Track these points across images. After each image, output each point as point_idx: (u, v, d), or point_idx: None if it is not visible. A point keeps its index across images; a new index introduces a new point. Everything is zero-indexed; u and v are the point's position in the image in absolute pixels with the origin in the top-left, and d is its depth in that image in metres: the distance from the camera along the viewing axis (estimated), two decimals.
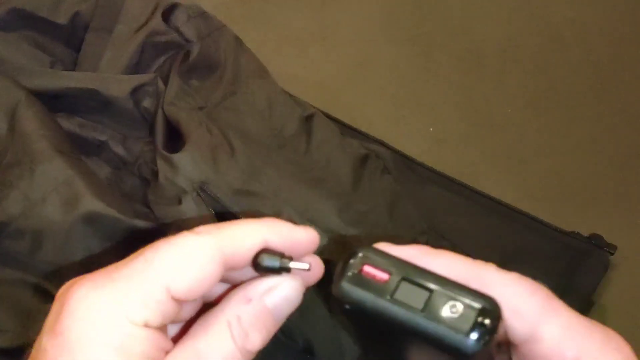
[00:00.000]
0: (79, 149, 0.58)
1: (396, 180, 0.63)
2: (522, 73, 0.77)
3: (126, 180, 0.60)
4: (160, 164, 0.55)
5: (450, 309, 0.24)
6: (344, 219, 0.56)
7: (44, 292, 0.51)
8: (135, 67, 0.63)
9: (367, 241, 0.27)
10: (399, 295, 0.24)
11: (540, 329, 0.25)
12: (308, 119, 0.64)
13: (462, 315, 0.23)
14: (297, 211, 0.55)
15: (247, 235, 0.27)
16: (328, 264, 0.29)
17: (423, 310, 0.24)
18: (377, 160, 0.63)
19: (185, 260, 0.25)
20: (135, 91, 0.60)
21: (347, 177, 0.60)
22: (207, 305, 0.28)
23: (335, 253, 0.50)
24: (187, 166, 0.55)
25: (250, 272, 0.27)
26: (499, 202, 0.64)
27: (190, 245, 0.26)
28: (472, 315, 0.23)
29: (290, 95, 0.67)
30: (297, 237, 0.28)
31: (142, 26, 0.63)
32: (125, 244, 0.54)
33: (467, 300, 0.24)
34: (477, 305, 0.24)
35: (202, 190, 0.54)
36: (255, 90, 0.65)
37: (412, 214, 0.61)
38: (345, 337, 0.48)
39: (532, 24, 0.81)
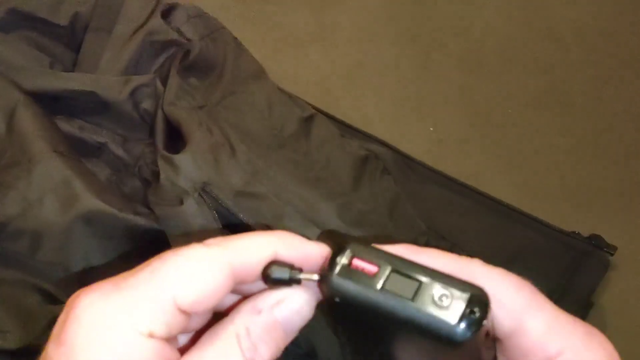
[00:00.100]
0: (79, 151, 0.58)
1: (396, 180, 0.63)
2: (522, 73, 0.77)
3: (126, 182, 0.60)
4: (162, 165, 0.55)
5: (440, 298, 0.24)
6: (345, 219, 0.56)
7: (44, 293, 0.51)
8: (135, 68, 0.63)
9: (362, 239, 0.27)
10: (388, 286, 0.24)
11: (525, 323, 0.25)
12: (307, 119, 0.64)
13: (452, 304, 0.24)
14: (299, 212, 0.55)
15: (256, 248, 0.26)
16: None
17: (413, 299, 0.24)
18: (376, 161, 0.63)
19: (193, 271, 0.25)
20: (134, 93, 0.60)
21: (348, 178, 0.60)
22: (219, 316, 0.27)
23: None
24: (188, 167, 0.54)
25: (261, 284, 0.27)
26: (499, 202, 0.64)
27: (198, 256, 0.25)
28: (462, 303, 0.24)
29: (290, 96, 0.67)
30: (308, 251, 0.27)
31: (141, 26, 0.63)
32: (125, 243, 0.54)
33: (457, 290, 0.24)
34: (466, 294, 0.24)
35: (203, 191, 0.54)
36: (255, 90, 0.65)
37: (412, 215, 0.61)
38: None
39: (532, 24, 0.81)
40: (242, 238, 0.27)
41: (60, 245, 0.52)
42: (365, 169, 0.62)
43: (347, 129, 0.67)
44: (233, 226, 0.54)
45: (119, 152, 0.61)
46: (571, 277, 0.58)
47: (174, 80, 0.61)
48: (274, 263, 0.26)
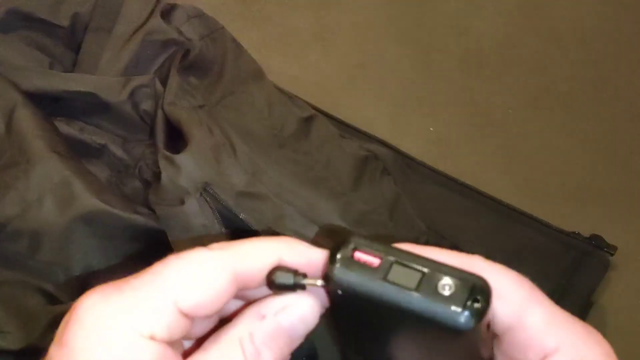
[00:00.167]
0: (79, 152, 0.58)
1: (396, 180, 0.63)
2: (522, 73, 0.77)
3: (127, 182, 0.60)
4: (163, 165, 0.55)
5: (443, 287, 0.24)
6: (346, 219, 0.56)
7: (45, 293, 0.51)
8: (135, 68, 0.63)
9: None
10: (391, 277, 0.24)
11: (524, 317, 0.25)
12: (307, 120, 0.64)
13: (455, 293, 0.24)
14: (300, 212, 0.55)
15: (260, 253, 0.26)
16: None
17: (416, 289, 0.24)
18: (376, 161, 0.63)
19: (195, 275, 0.25)
20: (133, 93, 0.60)
21: (348, 178, 0.60)
22: (225, 323, 0.27)
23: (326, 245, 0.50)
24: (189, 167, 0.54)
25: (266, 291, 0.27)
26: (499, 202, 0.64)
27: (201, 260, 0.25)
28: (465, 292, 0.24)
29: (290, 96, 0.67)
30: (313, 257, 0.27)
31: (141, 26, 0.63)
32: (126, 243, 0.54)
33: (459, 279, 0.24)
34: (469, 283, 0.24)
35: (205, 191, 0.54)
36: (254, 91, 0.65)
37: (412, 215, 0.61)
38: None
39: (532, 24, 0.81)
40: (245, 243, 0.27)
41: (59, 245, 0.52)
42: (365, 169, 0.62)
43: (347, 129, 0.67)
44: (234, 227, 0.54)
45: (119, 153, 0.61)
46: (571, 277, 0.58)
47: (174, 79, 0.61)
48: (278, 268, 0.26)
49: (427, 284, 0.24)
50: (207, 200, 0.53)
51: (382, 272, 0.25)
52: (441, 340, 0.24)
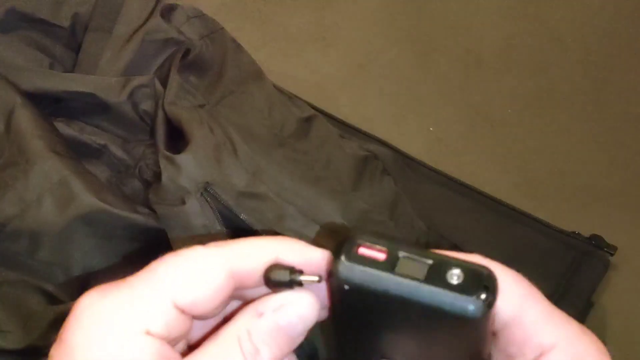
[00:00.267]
0: (79, 153, 0.58)
1: (396, 180, 0.63)
2: (522, 73, 0.77)
3: (127, 183, 0.60)
4: (164, 165, 0.55)
5: (452, 277, 0.24)
6: (347, 218, 0.56)
7: (45, 293, 0.51)
8: (135, 68, 0.63)
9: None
10: (399, 270, 0.24)
11: (522, 313, 0.25)
12: (307, 120, 0.64)
13: (465, 281, 0.24)
14: (301, 211, 0.55)
15: (257, 250, 0.26)
16: None
17: (425, 280, 0.24)
18: (376, 161, 0.63)
19: (191, 271, 0.25)
20: (133, 94, 0.60)
21: (348, 177, 0.60)
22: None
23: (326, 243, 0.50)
24: (190, 166, 0.54)
25: (266, 290, 0.27)
26: (499, 202, 0.64)
27: (197, 257, 0.25)
28: (475, 280, 0.24)
29: (289, 96, 0.67)
30: (311, 256, 0.27)
31: (141, 26, 0.63)
32: (125, 243, 0.54)
33: (467, 269, 0.24)
34: (477, 271, 0.24)
35: (205, 191, 0.54)
36: (254, 91, 0.65)
37: (412, 215, 0.61)
38: None
39: (531, 24, 0.81)
40: (243, 241, 0.27)
41: (59, 245, 0.52)
42: (365, 169, 0.62)
43: (347, 129, 0.67)
44: (235, 227, 0.54)
45: (119, 153, 0.61)
46: (571, 277, 0.58)
47: (174, 79, 0.61)
48: (274, 266, 0.26)
49: (435, 275, 0.24)
50: (207, 200, 0.53)
51: (390, 265, 0.24)
52: (448, 333, 0.25)
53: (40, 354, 0.46)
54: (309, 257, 0.27)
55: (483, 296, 0.23)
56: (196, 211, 0.52)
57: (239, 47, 0.67)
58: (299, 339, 0.26)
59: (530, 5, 0.83)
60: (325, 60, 0.77)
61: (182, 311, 0.25)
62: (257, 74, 0.67)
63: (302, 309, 0.26)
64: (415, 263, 0.24)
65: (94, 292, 0.25)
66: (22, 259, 0.52)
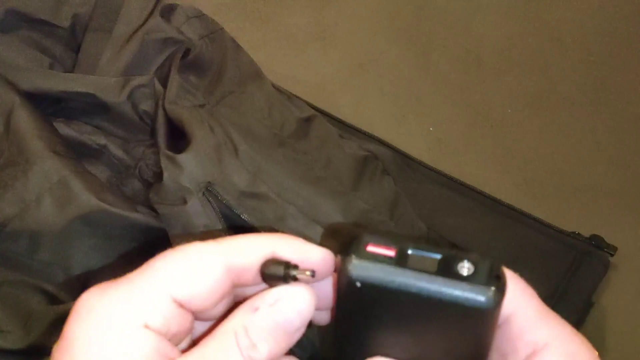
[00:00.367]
0: (79, 153, 0.58)
1: (396, 180, 0.63)
2: (522, 73, 0.77)
3: (127, 183, 0.60)
4: (165, 164, 0.55)
5: (463, 269, 0.24)
6: (347, 218, 0.56)
7: (45, 293, 0.51)
8: (135, 68, 0.63)
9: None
10: (411, 264, 0.25)
11: (517, 311, 0.26)
12: (306, 120, 0.64)
13: (475, 273, 0.24)
14: (301, 212, 0.55)
15: (254, 246, 0.27)
16: None
17: (437, 272, 0.24)
18: (376, 161, 0.63)
19: (188, 265, 0.25)
20: (132, 94, 0.60)
21: (348, 177, 0.60)
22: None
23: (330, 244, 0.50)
24: (192, 166, 0.54)
25: (264, 287, 0.27)
26: (499, 202, 0.64)
27: (194, 252, 0.26)
28: (485, 271, 0.24)
29: (289, 96, 0.67)
30: (308, 252, 0.27)
31: (141, 26, 0.63)
32: (125, 242, 0.54)
33: (476, 260, 0.24)
34: (487, 263, 0.24)
35: (207, 190, 0.54)
36: (254, 91, 0.65)
37: (412, 215, 0.61)
38: None
39: (531, 24, 0.81)
40: (240, 237, 0.27)
41: (59, 245, 0.52)
42: (365, 169, 0.62)
43: (347, 129, 0.67)
44: (236, 227, 0.54)
45: (119, 153, 0.61)
46: (572, 277, 0.58)
47: (174, 78, 0.61)
48: (270, 261, 0.27)
49: (447, 267, 0.24)
50: (209, 200, 0.53)
51: (401, 261, 0.25)
52: (457, 327, 0.25)
53: (41, 354, 0.46)
54: (306, 254, 0.27)
55: (495, 286, 0.24)
56: (198, 211, 0.52)
57: (238, 47, 0.67)
58: (297, 335, 0.26)
59: (530, 5, 0.83)
60: (325, 60, 0.77)
61: (181, 305, 0.25)
62: (257, 74, 0.67)
63: (298, 303, 0.26)
64: (425, 258, 0.25)
65: (95, 289, 0.25)
66: (22, 259, 0.52)
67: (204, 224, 0.52)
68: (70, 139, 0.59)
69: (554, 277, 0.58)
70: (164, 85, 0.61)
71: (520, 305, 0.26)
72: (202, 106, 0.61)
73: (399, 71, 0.77)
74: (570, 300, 0.57)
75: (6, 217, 0.52)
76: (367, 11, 0.82)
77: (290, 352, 0.27)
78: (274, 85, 0.67)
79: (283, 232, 0.53)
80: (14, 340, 0.47)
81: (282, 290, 0.26)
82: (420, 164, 0.66)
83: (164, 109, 0.59)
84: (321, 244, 0.28)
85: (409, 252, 0.25)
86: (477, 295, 0.24)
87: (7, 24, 0.62)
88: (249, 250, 0.26)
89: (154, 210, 0.54)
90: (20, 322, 0.48)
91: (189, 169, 0.54)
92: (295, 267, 0.26)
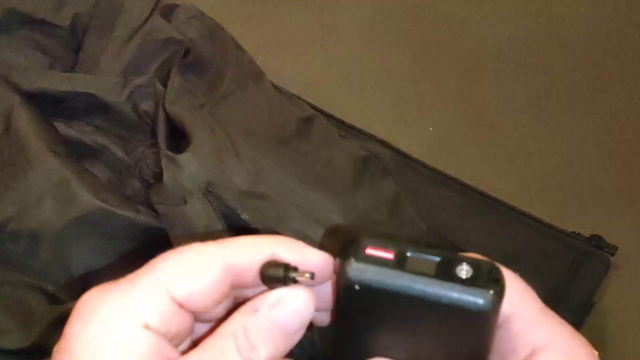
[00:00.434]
0: (79, 154, 0.58)
1: (396, 180, 0.63)
2: (522, 73, 0.77)
3: (128, 183, 0.60)
4: (165, 164, 0.55)
5: (462, 272, 0.24)
6: (348, 218, 0.56)
7: (45, 293, 0.51)
8: (135, 68, 0.63)
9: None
10: (409, 267, 0.25)
11: (516, 311, 0.26)
12: (307, 120, 0.64)
13: (474, 275, 0.24)
14: (302, 212, 0.55)
15: (253, 247, 0.27)
16: None
17: (436, 275, 0.24)
18: (376, 161, 0.63)
19: (187, 264, 0.25)
20: (133, 94, 0.60)
21: (348, 177, 0.60)
22: None
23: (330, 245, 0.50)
24: (192, 166, 0.54)
25: (264, 289, 0.27)
26: (499, 202, 0.64)
27: (194, 251, 0.26)
28: (483, 274, 0.24)
29: (289, 96, 0.67)
30: (308, 255, 0.27)
31: (141, 26, 0.63)
32: (125, 243, 0.54)
33: (475, 263, 0.24)
34: (485, 266, 0.24)
35: (207, 191, 0.54)
36: (254, 91, 0.65)
37: (412, 215, 0.61)
38: None
39: (531, 24, 0.81)
40: (240, 238, 0.27)
41: (59, 246, 0.52)
42: (365, 169, 0.62)
43: (347, 129, 0.67)
44: (236, 227, 0.54)
45: (120, 154, 0.61)
46: (572, 278, 0.58)
47: (175, 78, 0.61)
48: (270, 262, 0.27)
49: (445, 270, 0.24)
50: (209, 200, 0.53)
51: (399, 263, 0.25)
52: (456, 330, 0.25)
53: (41, 354, 0.46)
54: (305, 256, 0.27)
55: (494, 289, 0.24)
56: (198, 211, 0.52)
57: (239, 47, 0.67)
58: (297, 337, 0.27)
59: (530, 6, 0.83)
60: (325, 60, 0.77)
61: (180, 305, 0.25)
62: (257, 74, 0.67)
63: (298, 305, 0.26)
64: (424, 260, 0.25)
65: (96, 289, 0.25)
66: (22, 259, 0.52)
67: (204, 223, 0.52)
68: (70, 139, 0.59)
69: (554, 277, 0.58)
70: (164, 85, 0.61)
71: (520, 305, 0.26)
72: (202, 106, 0.61)
73: (399, 71, 0.77)
74: (571, 300, 0.57)
75: (6, 218, 0.52)
76: (367, 11, 0.82)
77: (290, 353, 0.27)
78: (274, 85, 0.67)
79: (283, 232, 0.53)
80: (14, 340, 0.47)
81: (282, 292, 0.26)
82: (420, 164, 0.66)
83: (164, 109, 0.59)
84: (322, 244, 0.28)
85: (408, 254, 0.25)
86: (476, 299, 0.24)
87: (7, 24, 0.62)
88: (249, 251, 0.27)
89: (154, 210, 0.54)
90: (20, 322, 0.48)
91: (189, 169, 0.54)
92: (295, 269, 0.26)
